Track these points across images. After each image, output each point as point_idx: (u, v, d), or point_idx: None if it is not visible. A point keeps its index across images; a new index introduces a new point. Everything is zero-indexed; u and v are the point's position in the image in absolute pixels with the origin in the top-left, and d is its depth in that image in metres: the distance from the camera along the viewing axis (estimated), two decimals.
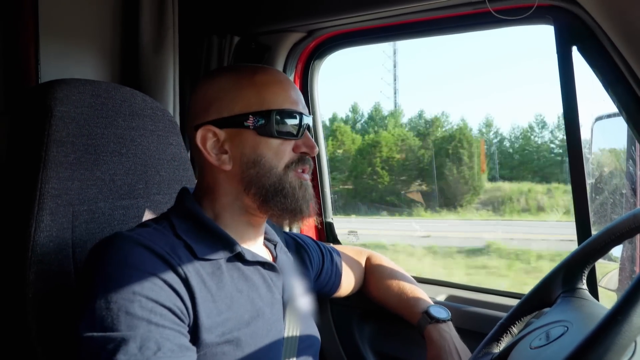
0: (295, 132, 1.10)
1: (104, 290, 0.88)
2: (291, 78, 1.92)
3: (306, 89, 1.97)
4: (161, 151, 1.37)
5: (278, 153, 1.08)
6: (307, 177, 1.13)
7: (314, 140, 1.80)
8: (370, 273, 1.58)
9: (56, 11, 1.47)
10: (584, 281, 1.17)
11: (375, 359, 1.69)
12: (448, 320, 1.38)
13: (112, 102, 1.23)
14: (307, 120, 1.13)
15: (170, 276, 0.94)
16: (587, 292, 1.13)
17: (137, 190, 1.30)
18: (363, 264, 1.60)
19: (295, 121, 1.09)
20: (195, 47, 1.84)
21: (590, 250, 1.12)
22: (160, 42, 1.71)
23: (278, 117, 1.07)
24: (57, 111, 1.10)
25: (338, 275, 1.49)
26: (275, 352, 1.09)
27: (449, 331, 1.36)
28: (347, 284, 1.53)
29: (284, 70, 1.88)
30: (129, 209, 1.27)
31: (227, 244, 1.07)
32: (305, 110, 1.13)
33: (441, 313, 1.39)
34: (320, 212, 2.05)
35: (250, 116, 1.06)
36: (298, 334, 1.16)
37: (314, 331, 1.26)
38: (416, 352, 1.63)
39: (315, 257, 1.44)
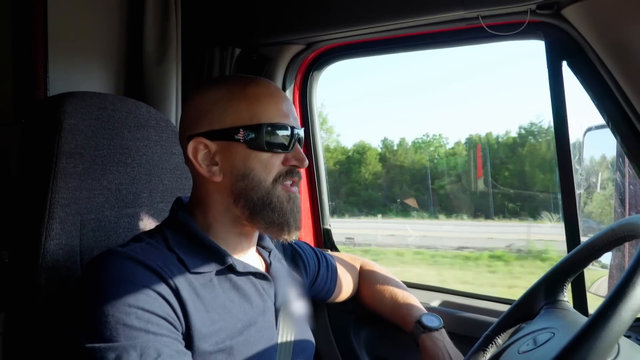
0: (285, 145, 1.11)
1: (101, 304, 0.91)
2: (290, 88, 1.97)
3: (305, 99, 2.01)
4: (165, 161, 1.42)
5: (267, 166, 1.10)
6: (296, 189, 1.15)
7: (312, 149, 1.84)
8: (363, 280, 1.61)
9: (64, 25, 1.51)
10: (565, 293, 1.22)
11: None
12: (441, 328, 1.42)
13: (118, 114, 1.28)
14: (298, 132, 1.14)
15: (162, 288, 0.97)
16: (568, 304, 1.18)
17: (142, 198, 1.34)
18: (357, 270, 1.64)
19: (286, 134, 1.11)
20: (197, 59, 1.88)
21: (571, 264, 1.17)
22: (164, 54, 1.75)
23: (268, 130, 1.08)
24: (66, 124, 1.14)
25: (333, 281, 1.52)
26: (268, 358, 1.12)
27: (442, 339, 1.39)
28: (343, 289, 1.56)
29: (284, 81, 1.93)
30: (134, 217, 1.32)
31: (219, 257, 1.10)
32: (296, 123, 1.15)
33: (433, 322, 1.42)
34: (319, 219, 2.09)
35: (241, 130, 1.08)
36: (292, 339, 1.19)
37: (308, 335, 1.29)
38: (412, 357, 1.66)
39: (311, 263, 1.46)
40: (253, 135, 1.08)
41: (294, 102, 2.00)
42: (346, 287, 1.58)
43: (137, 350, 0.89)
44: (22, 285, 1.10)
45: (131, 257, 0.98)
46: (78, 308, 0.95)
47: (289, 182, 1.13)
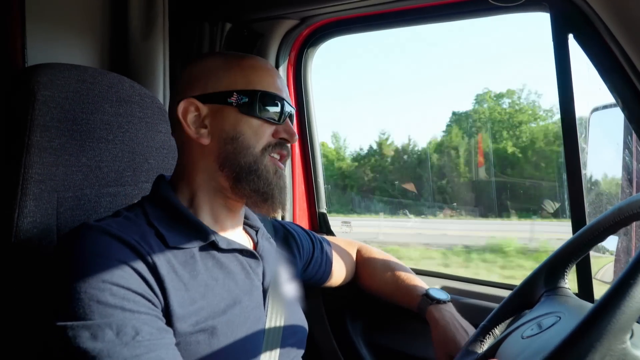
0: (276, 118, 1.10)
1: (74, 280, 0.86)
2: (284, 66, 1.90)
3: (299, 77, 1.95)
4: (150, 139, 1.35)
5: (257, 133, 1.08)
6: (283, 166, 1.13)
7: (307, 130, 1.79)
8: (363, 265, 1.57)
9: None
10: (566, 280, 1.16)
11: (367, 348, 1.68)
12: (448, 301, 1.39)
13: (98, 87, 1.21)
14: (290, 109, 1.13)
15: (139, 264, 0.92)
16: (569, 290, 1.12)
17: (125, 177, 1.28)
18: (354, 255, 1.59)
19: (278, 107, 1.10)
20: (186, 34, 1.81)
21: (573, 249, 1.11)
22: (150, 29, 1.68)
23: (261, 98, 1.08)
24: (40, 95, 1.07)
25: (328, 265, 1.48)
26: (254, 340, 1.07)
27: (451, 311, 1.36)
28: (338, 274, 1.52)
29: (277, 58, 1.86)
30: (116, 197, 1.25)
31: (201, 233, 1.05)
32: (288, 99, 1.14)
33: (441, 294, 1.40)
34: (314, 202, 2.03)
35: (235, 93, 1.07)
36: (282, 322, 1.14)
37: (299, 318, 1.24)
38: (408, 342, 1.62)
39: (305, 245, 1.42)
40: (246, 100, 1.07)
41: (287, 80, 1.94)
42: (342, 272, 1.54)
43: (113, 328, 0.84)
44: None
45: (106, 231, 0.93)
46: (50, 285, 0.90)
47: (277, 156, 1.11)
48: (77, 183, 1.16)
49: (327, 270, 1.48)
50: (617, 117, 1.44)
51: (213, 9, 1.78)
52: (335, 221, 2.11)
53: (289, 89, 1.94)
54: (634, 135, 1.44)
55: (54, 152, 1.10)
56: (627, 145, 1.48)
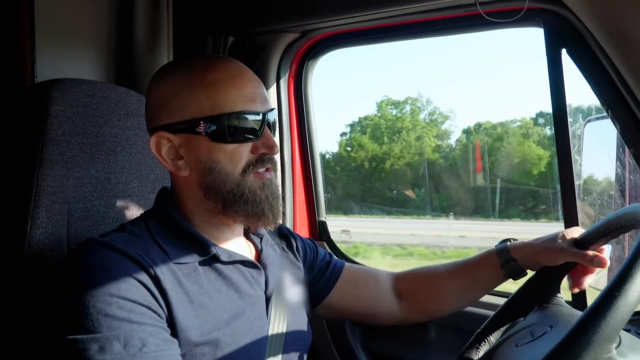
0: (252, 133, 1.04)
1: (81, 294, 0.88)
2: (285, 78, 1.94)
3: (300, 89, 1.98)
4: None
5: (234, 158, 1.04)
6: (270, 174, 1.09)
7: (307, 140, 1.77)
8: (411, 281, 1.41)
9: (52, 11, 1.48)
10: (559, 288, 1.19)
11: (366, 355, 1.71)
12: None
13: (107, 101, 1.25)
14: (268, 117, 1.06)
15: (144, 277, 0.93)
16: (562, 300, 1.16)
17: (132, 188, 1.32)
18: (387, 284, 1.42)
19: (254, 119, 1.04)
20: (189, 47, 1.85)
21: None
22: (155, 42, 1.71)
23: (230, 121, 1.01)
24: (53, 110, 1.11)
25: (332, 280, 1.37)
26: (257, 349, 1.08)
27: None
28: (346, 298, 1.38)
29: (278, 70, 1.90)
30: (123, 207, 1.29)
31: (202, 246, 1.05)
32: (264, 106, 1.06)
33: (501, 242, 1.31)
34: (314, 211, 2.06)
35: (202, 122, 1.01)
36: (284, 329, 1.15)
37: (303, 324, 1.24)
38: (408, 349, 1.64)
39: (309, 252, 1.39)
40: (215, 128, 1.01)
41: (288, 92, 1.97)
42: (355, 299, 1.39)
43: (121, 340, 0.86)
44: (6, 275, 1.07)
45: (112, 246, 0.95)
46: (58, 299, 0.92)
47: (262, 170, 1.07)
48: (86, 194, 1.19)
49: (328, 285, 1.37)
50: (610, 128, 1.48)
51: (216, 22, 1.82)
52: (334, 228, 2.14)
53: (289, 100, 1.97)
54: (626, 147, 1.48)
55: (65, 164, 1.14)
56: (619, 157, 1.52)
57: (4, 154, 1.15)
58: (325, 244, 2.03)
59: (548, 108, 1.49)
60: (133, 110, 1.32)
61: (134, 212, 1.31)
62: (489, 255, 1.31)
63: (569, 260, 1.16)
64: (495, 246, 1.31)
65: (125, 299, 0.90)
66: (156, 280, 0.95)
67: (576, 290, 1.21)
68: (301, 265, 1.34)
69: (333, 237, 2.07)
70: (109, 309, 0.88)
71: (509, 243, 1.29)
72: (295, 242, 1.37)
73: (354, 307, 1.39)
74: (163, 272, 0.97)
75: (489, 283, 1.33)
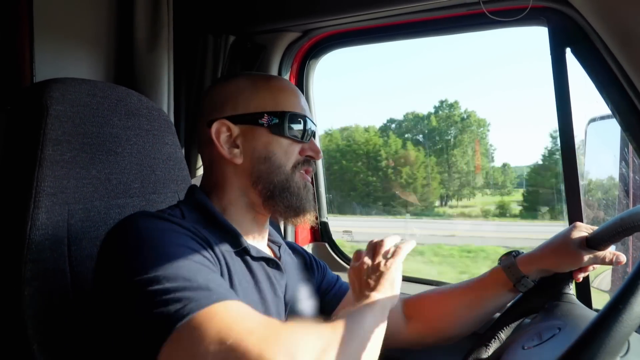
0: (302, 136, 1.14)
1: (152, 244, 0.88)
2: (286, 77, 1.93)
3: (302, 89, 1.97)
4: (157, 150, 1.37)
5: (287, 152, 1.12)
6: (309, 178, 1.18)
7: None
8: (421, 303, 1.39)
9: (51, 10, 1.46)
10: (571, 286, 1.18)
11: None
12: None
13: (107, 101, 1.23)
14: (314, 127, 1.18)
15: (202, 244, 0.96)
16: (574, 297, 1.15)
17: (133, 189, 1.30)
18: (395, 307, 1.34)
19: (303, 126, 1.14)
20: (190, 46, 1.83)
21: None
22: (155, 41, 1.70)
23: (290, 118, 1.12)
24: (53, 110, 1.09)
25: (336, 298, 1.37)
26: None
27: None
28: None
29: (279, 70, 1.89)
30: (124, 208, 1.27)
31: (234, 238, 1.08)
32: (312, 118, 1.18)
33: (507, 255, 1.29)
34: (316, 211, 2.05)
35: (265, 115, 1.11)
36: None
37: None
38: (411, 352, 1.63)
39: (319, 269, 1.39)
40: (277, 121, 1.11)
41: None
42: None
43: (201, 276, 0.85)
44: (6, 277, 1.06)
45: (165, 218, 0.97)
46: (119, 257, 0.89)
47: (304, 170, 1.16)
48: (87, 195, 1.18)
49: (334, 302, 1.36)
50: (614, 128, 1.47)
51: (217, 21, 1.81)
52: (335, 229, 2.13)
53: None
54: (630, 147, 1.47)
55: (65, 165, 1.12)
56: (623, 157, 1.51)
57: (3, 155, 1.13)
58: (327, 244, 2.02)
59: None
60: (133, 109, 1.30)
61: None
62: (496, 273, 1.27)
63: (589, 264, 1.16)
64: (500, 263, 1.27)
65: (193, 249, 0.91)
66: (212, 249, 0.98)
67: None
68: (314, 280, 1.35)
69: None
70: (182, 253, 0.88)
71: (514, 258, 1.25)
72: (309, 258, 1.40)
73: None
74: (213, 246, 0.99)
75: (498, 301, 1.29)
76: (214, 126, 1.11)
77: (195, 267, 0.87)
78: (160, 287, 0.81)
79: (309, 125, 1.15)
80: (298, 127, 1.13)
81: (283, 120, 1.11)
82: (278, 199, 1.11)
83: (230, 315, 0.79)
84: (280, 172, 1.11)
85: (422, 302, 1.38)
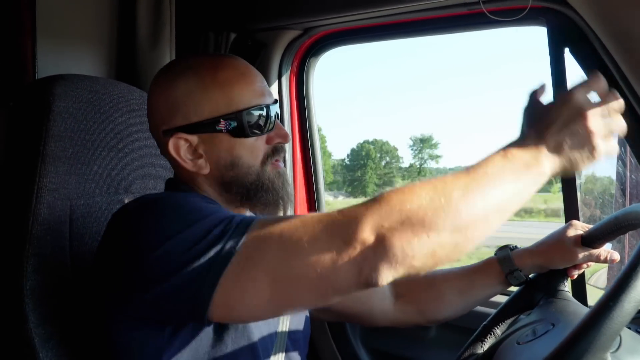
0: (266, 126, 1.07)
1: (160, 212, 0.90)
2: (287, 75, 1.93)
3: (302, 86, 1.98)
4: (157, 147, 1.38)
5: (254, 151, 1.07)
6: (282, 164, 1.13)
7: (309, 138, 1.77)
8: (412, 285, 1.36)
9: (53, 7, 1.47)
10: (566, 284, 1.20)
11: (366, 352, 1.71)
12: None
13: (109, 98, 1.24)
14: (275, 109, 1.10)
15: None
16: (569, 294, 1.16)
17: (134, 185, 1.31)
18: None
19: (265, 116, 1.06)
20: (191, 44, 1.84)
21: None
22: (157, 38, 1.71)
23: (248, 116, 1.04)
24: (55, 106, 1.11)
25: None
26: (268, 343, 1.08)
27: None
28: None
29: (280, 67, 1.90)
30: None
31: None
32: (270, 99, 1.10)
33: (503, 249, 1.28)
34: (315, 209, 2.06)
35: (221, 120, 1.03)
36: (288, 327, 1.15)
37: (303, 324, 1.24)
38: (408, 346, 1.65)
39: None
40: (235, 124, 1.03)
41: (290, 89, 1.97)
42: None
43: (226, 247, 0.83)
44: (7, 272, 1.07)
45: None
46: (122, 243, 0.92)
47: (275, 160, 1.10)
48: (89, 191, 1.19)
49: None
50: None
51: (218, 19, 1.82)
52: None
53: (290, 98, 1.97)
54: (627, 146, 1.48)
55: (67, 161, 1.13)
56: (620, 157, 1.52)
57: (5, 151, 1.14)
58: None
59: None
60: (135, 106, 1.31)
61: None
62: (490, 263, 1.29)
63: (583, 261, 1.17)
64: (495, 254, 1.29)
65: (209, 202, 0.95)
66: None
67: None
68: None
69: None
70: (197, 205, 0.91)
71: (510, 251, 1.26)
72: None
73: (345, 307, 1.36)
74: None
75: (488, 290, 1.31)
76: (171, 142, 1.04)
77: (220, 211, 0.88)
78: (195, 233, 0.84)
79: (271, 111, 1.07)
80: (260, 119, 1.05)
81: (241, 121, 1.03)
82: (254, 199, 1.08)
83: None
84: (250, 172, 1.06)
85: (412, 283, 1.37)
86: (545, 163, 0.82)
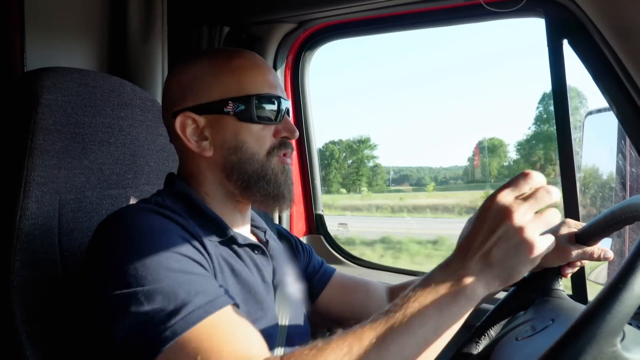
0: (274, 117, 1.08)
1: (135, 250, 0.85)
2: (282, 69, 1.91)
3: (297, 81, 1.96)
4: (150, 141, 1.36)
5: (259, 139, 1.07)
6: (289, 161, 1.12)
7: (304, 132, 1.75)
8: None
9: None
10: (560, 282, 1.18)
11: None
12: None
13: (100, 91, 1.22)
14: (286, 104, 1.11)
15: (191, 238, 0.93)
16: (563, 292, 1.14)
17: (126, 180, 1.29)
18: (380, 294, 1.41)
19: (274, 106, 1.07)
20: (184, 37, 1.82)
21: None
22: (149, 32, 1.69)
23: (257, 102, 1.05)
24: (43, 99, 1.08)
25: (321, 283, 1.39)
26: (269, 336, 1.06)
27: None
28: (333, 303, 1.39)
29: (275, 61, 1.87)
30: (117, 199, 1.26)
31: (219, 227, 1.05)
32: (283, 95, 1.11)
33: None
34: (311, 204, 2.04)
35: (230, 102, 1.04)
36: (287, 322, 1.13)
37: (304, 320, 1.23)
38: None
39: (305, 253, 1.40)
40: (243, 107, 1.04)
41: (285, 84, 1.95)
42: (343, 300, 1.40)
43: (183, 289, 0.82)
44: None
45: (154, 210, 0.94)
46: (93, 263, 0.89)
47: (282, 154, 1.10)
48: (79, 185, 1.16)
49: (319, 287, 1.38)
50: (611, 121, 1.46)
51: (212, 12, 1.79)
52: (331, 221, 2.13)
53: (286, 92, 1.95)
54: (627, 139, 1.46)
55: (56, 154, 1.11)
56: (620, 150, 1.50)
57: None
58: (322, 237, 2.01)
59: None
60: (127, 100, 1.29)
61: (127, 203, 1.28)
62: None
63: (577, 259, 1.15)
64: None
65: (181, 254, 0.87)
66: (201, 243, 0.95)
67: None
68: (300, 264, 1.34)
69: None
70: (166, 262, 0.84)
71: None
72: (295, 242, 1.39)
73: (340, 312, 1.38)
74: (202, 239, 0.97)
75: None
76: (178, 120, 1.06)
77: (181, 279, 0.84)
78: (140, 309, 0.80)
79: (281, 104, 1.08)
80: (269, 108, 1.06)
81: (250, 105, 1.04)
82: (254, 189, 1.06)
83: (220, 330, 0.80)
84: (254, 160, 1.06)
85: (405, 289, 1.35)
86: (474, 283, 0.75)
